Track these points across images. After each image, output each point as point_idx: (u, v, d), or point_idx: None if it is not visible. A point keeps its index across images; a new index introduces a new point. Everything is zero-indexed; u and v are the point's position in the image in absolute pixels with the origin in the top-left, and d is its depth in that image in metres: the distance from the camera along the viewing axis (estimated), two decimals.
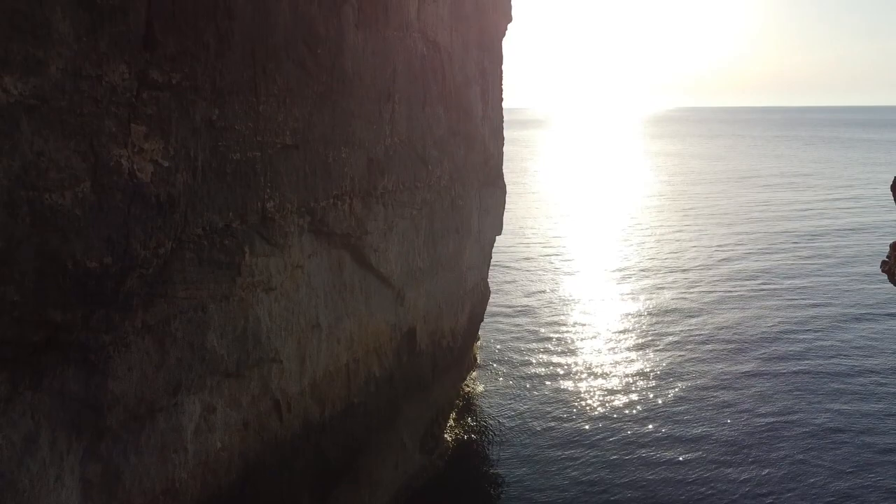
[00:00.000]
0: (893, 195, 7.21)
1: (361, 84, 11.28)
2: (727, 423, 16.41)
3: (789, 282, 29.21)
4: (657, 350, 21.21)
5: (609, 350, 21.42)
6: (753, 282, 29.31)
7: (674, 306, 25.84)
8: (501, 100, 19.66)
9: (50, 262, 6.02)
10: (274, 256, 9.46)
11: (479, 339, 20.50)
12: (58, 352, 6.46)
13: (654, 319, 24.25)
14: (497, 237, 19.81)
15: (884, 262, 8.36)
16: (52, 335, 6.29)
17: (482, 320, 19.26)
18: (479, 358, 20.17)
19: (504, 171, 19.48)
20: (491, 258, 19.53)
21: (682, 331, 22.97)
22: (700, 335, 22.54)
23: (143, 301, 7.17)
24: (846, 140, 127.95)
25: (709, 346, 21.43)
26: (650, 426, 16.26)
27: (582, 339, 22.38)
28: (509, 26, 19.80)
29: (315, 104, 10.11)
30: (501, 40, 19.58)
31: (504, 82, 19.69)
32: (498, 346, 21.46)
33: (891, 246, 8.04)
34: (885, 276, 8.38)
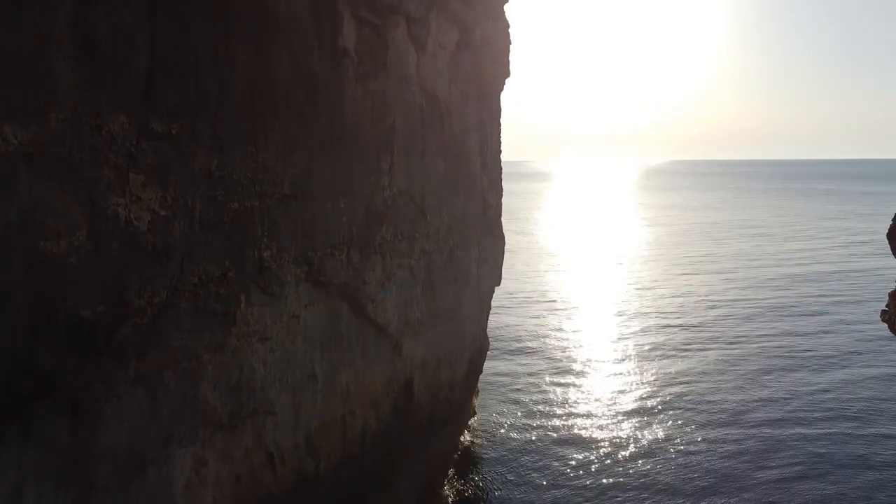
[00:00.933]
0: (889, 242, 7.22)
1: (361, 135, 11.41)
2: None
3: (781, 323, 29.49)
4: (658, 398, 20.93)
5: (610, 401, 21.14)
6: (750, 324, 29.50)
7: (673, 353, 25.67)
8: (500, 152, 19.86)
9: (43, 310, 5.98)
10: (270, 306, 9.40)
11: (478, 390, 20.24)
12: (47, 401, 6.36)
13: (654, 367, 24.01)
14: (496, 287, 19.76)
15: (883, 312, 8.32)
16: (42, 384, 6.20)
17: (481, 372, 19.05)
18: (478, 409, 19.88)
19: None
20: (490, 309, 19.43)
21: (685, 378, 22.73)
22: (702, 379, 22.32)
23: (136, 350, 7.09)
24: (847, 193, 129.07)
25: (711, 389, 21.18)
26: (657, 480, 15.92)
27: (583, 391, 22.11)
28: (511, 81, 20.15)
29: (314, 154, 10.19)
30: (500, 94, 19.88)
31: (506, 136, 19.95)
32: (498, 397, 21.19)
33: (889, 295, 8.00)
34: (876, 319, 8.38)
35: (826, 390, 21.99)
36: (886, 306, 8.19)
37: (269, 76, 9.21)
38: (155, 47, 7.31)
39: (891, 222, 7.11)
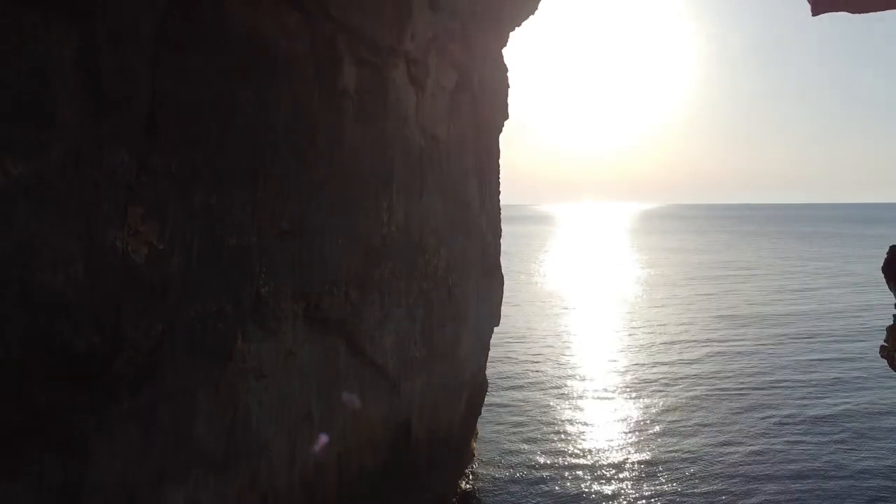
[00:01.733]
0: (884, 275, 7.24)
1: (360, 173, 11.51)
2: None
3: (778, 359, 29.34)
4: (658, 445, 20.65)
5: (614, 451, 20.85)
6: (747, 359, 29.29)
7: (673, 395, 25.41)
8: (499, 192, 20.00)
9: (37, 342, 5.95)
10: (266, 342, 9.36)
11: (477, 432, 19.99)
12: (38, 436, 6.28)
13: (656, 409, 23.75)
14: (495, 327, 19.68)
15: (882, 347, 8.28)
16: (34, 418, 6.13)
17: (480, 413, 18.84)
18: (477, 452, 19.59)
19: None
20: (489, 349, 19.31)
21: (689, 422, 22.47)
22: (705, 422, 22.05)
23: (129, 386, 7.03)
24: (846, 236, 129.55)
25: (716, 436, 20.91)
26: None
27: (585, 432, 21.83)
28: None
29: (313, 193, 10.27)
30: (498, 136, 20.12)
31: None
32: (497, 439, 20.89)
33: (888, 330, 7.97)
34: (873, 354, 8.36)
35: (825, 424, 21.81)
36: (885, 342, 8.14)
37: (269, 116, 9.34)
38: (157, 86, 7.43)
39: (886, 255, 7.13)
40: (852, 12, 8.88)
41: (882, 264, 7.05)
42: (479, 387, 18.43)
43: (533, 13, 17.23)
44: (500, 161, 20.01)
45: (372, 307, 12.06)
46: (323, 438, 10.57)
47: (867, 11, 9.03)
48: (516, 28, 17.59)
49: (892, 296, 7.01)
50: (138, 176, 6.93)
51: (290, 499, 10.19)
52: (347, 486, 11.60)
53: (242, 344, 8.81)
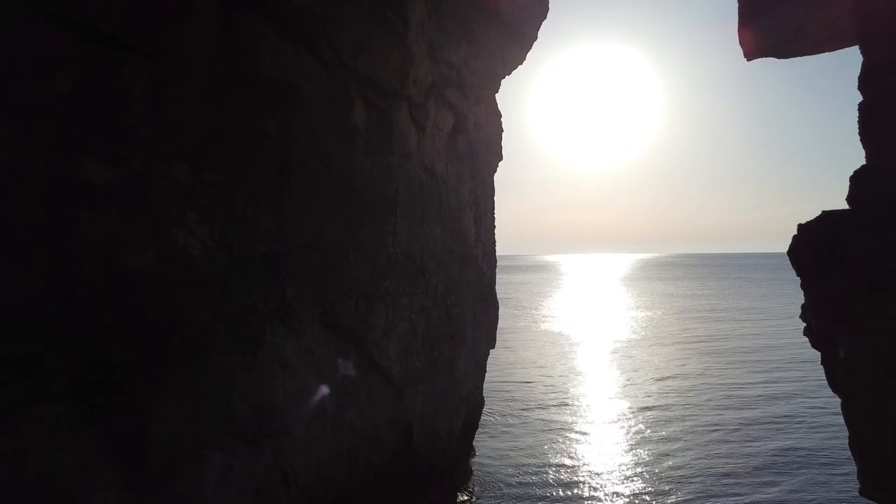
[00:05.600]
0: (790, 260, 8.36)
1: (368, 198, 13.15)
2: None
3: (776, 397, 30.13)
4: (651, 467, 21.74)
5: (605, 467, 21.94)
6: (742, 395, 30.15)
7: (666, 419, 26.47)
8: (494, 226, 21.65)
9: (116, 313, 7.48)
10: (290, 338, 10.84)
11: (474, 452, 21.17)
12: (109, 393, 7.74)
13: (645, 437, 24.85)
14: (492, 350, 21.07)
15: (805, 328, 9.53)
16: (108, 376, 7.61)
17: (477, 428, 20.08)
18: (474, 470, 20.73)
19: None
20: (485, 370, 20.66)
21: (688, 456, 23.56)
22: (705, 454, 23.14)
23: (182, 359, 8.52)
24: None
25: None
26: None
27: (581, 454, 22.92)
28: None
29: (328, 212, 11.89)
30: (493, 175, 21.88)
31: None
32: (494, 459, 22.00)
33: (801, 307, 9.07)
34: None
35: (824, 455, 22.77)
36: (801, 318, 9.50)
37: (292, 143, 11.02)
38: (206, 113, 9.14)
39: (792, 238, 8.28)
40: (780, 57, 10.62)
41: (788, 249, 8.30)
42: (476, 404, 19.74)
43: (521, 62, 19.17)
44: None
45: (378, 317, 13.55)
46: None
47: (794, 56, 10.78)
48: (507, 76, 19.50)
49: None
50: (193, 186, 8.57)
51: (307, 482, 11.51)
52: (356, 478, 12.90)
53: (271, 337, 10.30)
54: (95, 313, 7.29)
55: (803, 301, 8.26)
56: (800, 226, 8.05)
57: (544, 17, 19.38)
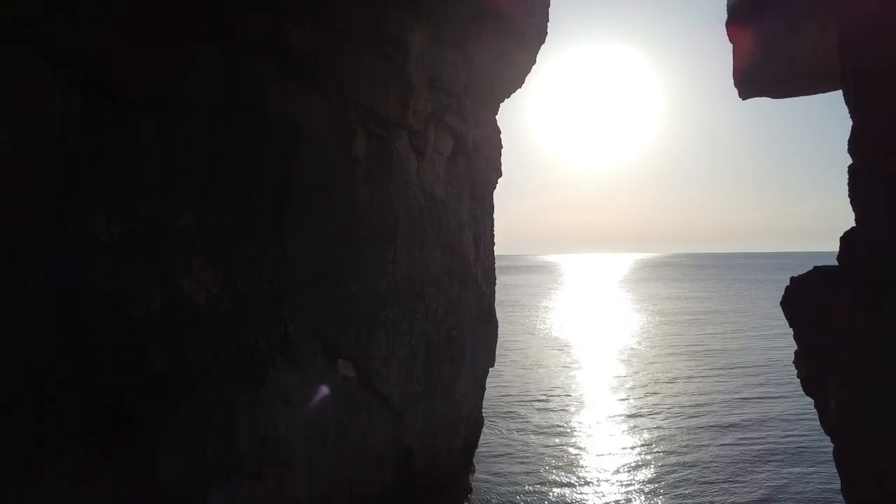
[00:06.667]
0: (783, 311, 8.58)
1: (369, 228, 13.36)
2: None
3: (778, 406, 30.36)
4: (651, 479, 21.96)
5: (604, 480, 22.16)
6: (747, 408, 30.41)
7: (666, 431, 26.69)
8: (493, 244, 21.85)
9: (125, 360, 7.70)
10: (292, 373, 11.06)
11: (474, 468, 21.39)
12: (120, 431, 7.95)
13: (645, 450, 25.07)
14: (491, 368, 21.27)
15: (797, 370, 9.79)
16: (118, 416, 7.83)
17: (476, 447, 20.30)
18: (474, 487, 20.94)
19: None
20: (485, 389, 20.87)
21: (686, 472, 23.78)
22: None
23: (189, 399, 8.73)
24: None
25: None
26: None
27: (582, 477, 23.14)
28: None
29: (329, 243, 12.09)
30: (492, 192, 22.06)
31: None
32: (494, 479, 22.23)
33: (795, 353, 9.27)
34: None
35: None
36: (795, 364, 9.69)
37: (294, 177, 11.22)
38: (211, 157, 9.34)
39: (785, 290, 8.52)
40: (774, 97, 10.83)
41: (781, 300, 8.54)
42: (476, 423, 19.96)
43: (520, 86, 19.30)
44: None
45: (378, 345, 13.76)
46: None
47: (789, 97, 10.98)
48: (506, 99, 19.68)
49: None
50: (199, 233, 8.78)
51: None
52: (358, 501, 13.12)
53: (273, 373, 10.52)
54: (105, 360, 7.50)
55: (796, 348, 8.48)
56: (792, 279, 8.31)
57: (546, 18, 18.59)
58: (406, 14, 12.84)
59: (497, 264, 23.45)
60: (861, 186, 7.19)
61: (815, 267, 8.09)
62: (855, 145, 7.27)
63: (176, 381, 8.42)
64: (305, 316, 11.45)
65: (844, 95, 7.78)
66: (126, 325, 7.64)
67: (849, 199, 7.35)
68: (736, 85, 10.76)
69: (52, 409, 7.13)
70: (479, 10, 15.45)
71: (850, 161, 7.77)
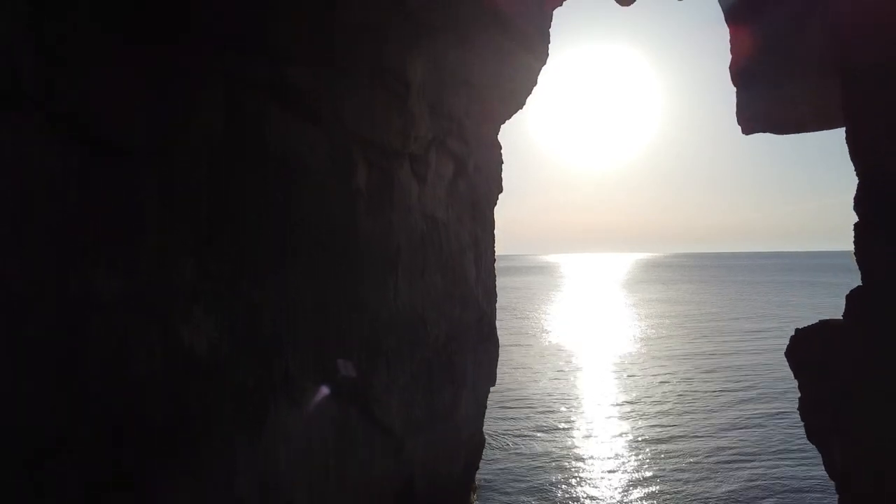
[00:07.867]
0: (788, 361, 8.57)
1: (370, 258, 13.31)
2: None
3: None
4: (654, 494, 21.95)
5: (606, 494, 22.15)
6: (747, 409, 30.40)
7: (666, 442, 26.70)
8: (494, 262, 21.82)
9: (125, 417, 7.65)
10: (293, 409, 11.01)
11: (476, 486, 21.37)
12: (118, 490, 7.90)
13: (647, 465, 25.06)
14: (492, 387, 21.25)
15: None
16: (120, 475, 7.78)
17: (478, 467, 20.29)
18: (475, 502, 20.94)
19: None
20: (486, 408, 20.85)
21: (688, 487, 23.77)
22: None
23: (190, 448, 8.69)
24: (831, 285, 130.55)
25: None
26: None
27: (584, 493, 23.13)
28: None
29: (331, 275, 12.04)
30: (493, 209, 22.03)
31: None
32: (496, 497, 22.22)
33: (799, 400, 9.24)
34: None
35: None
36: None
37: (295, 210, 11.17)
38: (212, 200, 9.29)
39: (790, 340, 8.50)
40: (778, 133, 10.76)
41: (785, 350, 8.52)
42: (477, 445, 19.94)
43: (521, 108, 19.27)
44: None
45: (379, 375, 13.72)
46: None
47: (791, 133, 10.92)
48: (507, 120, 19.64)
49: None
50: (200, 280, 8.73)
51: None
52: None
53: (274, 413, 10.47)
54: (105, 415, 7.45)
55: (800, 397, 8.44)
56: (798, 330, 8.26)
57: (547, 40, 18.43)
58: (406, 47, 12.78)
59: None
60: (867, 243, 7.13)
61: (820, 321, 8.06)
62: (862, 202, 7.19)
63: (176, 429, 8.37)
64: (306, 351, 11.40)
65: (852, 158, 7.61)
66: (127, 379, 7.59)
67: (855, 258, 7.30)
68: (738, 122, 10.70)
69: (50, 459, 7.08)
70: (480, 36, 15.40)
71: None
